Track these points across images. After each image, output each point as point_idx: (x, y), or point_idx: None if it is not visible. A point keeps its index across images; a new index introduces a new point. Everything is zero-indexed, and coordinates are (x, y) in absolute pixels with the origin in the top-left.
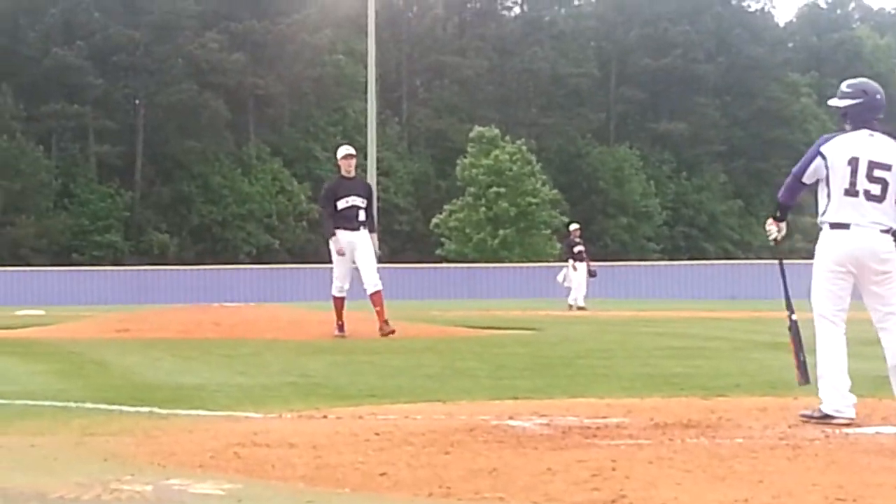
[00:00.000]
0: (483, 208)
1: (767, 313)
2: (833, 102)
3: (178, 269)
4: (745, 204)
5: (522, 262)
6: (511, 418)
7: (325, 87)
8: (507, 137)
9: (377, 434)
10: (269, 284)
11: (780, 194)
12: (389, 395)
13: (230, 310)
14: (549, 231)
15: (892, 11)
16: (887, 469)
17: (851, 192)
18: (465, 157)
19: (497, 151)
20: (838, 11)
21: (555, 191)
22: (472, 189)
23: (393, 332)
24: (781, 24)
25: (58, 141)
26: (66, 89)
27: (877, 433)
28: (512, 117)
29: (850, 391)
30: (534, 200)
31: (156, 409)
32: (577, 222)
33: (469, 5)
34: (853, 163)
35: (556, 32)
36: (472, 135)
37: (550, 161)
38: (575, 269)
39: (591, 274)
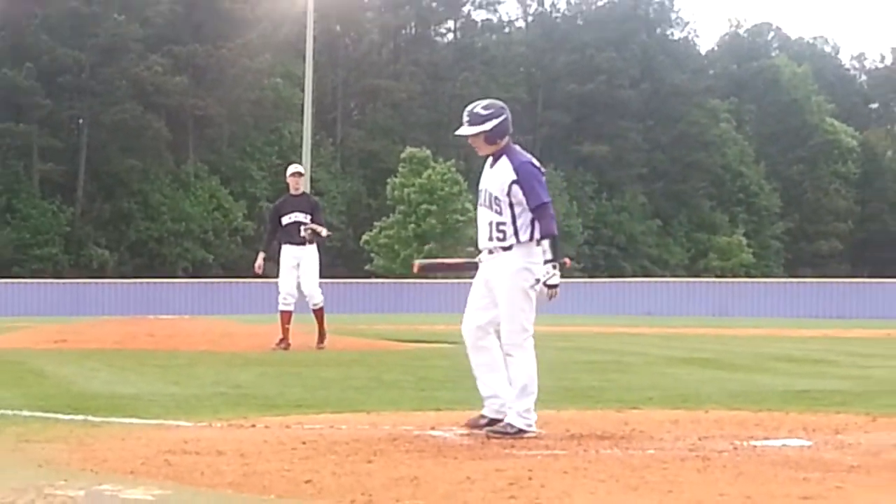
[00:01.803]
0: (412, 225)
1: (682, 329)
2: (474, 130)
3: (115, 283)
4: (663, 224)
5: (448, 278)
6: (433, 428)
7: (262, 109)
8: (438, 159)
9: (303, 443)
10: (203, 298)
11: (553, 228)
12: (316, 405)
13: (165, 322)
14: (473, 248)
15: (810, 41)
16: (793, 480)
17: None
18: (396, 176)
19: (429, 171)
20: (758, 40)
21: None
22: (402, 207)
23: (323, 347)
24: (703, 52)
25: (2, 158)
26: (13, 108)
27: (783, 445)
28: (443, 139)
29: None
30: (461, 219)
31: (90, 418)
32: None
33: (403, 31)
34: None
35: (487, 58)
36: (403, 155)
37: (477, 181)
38: None
39: None
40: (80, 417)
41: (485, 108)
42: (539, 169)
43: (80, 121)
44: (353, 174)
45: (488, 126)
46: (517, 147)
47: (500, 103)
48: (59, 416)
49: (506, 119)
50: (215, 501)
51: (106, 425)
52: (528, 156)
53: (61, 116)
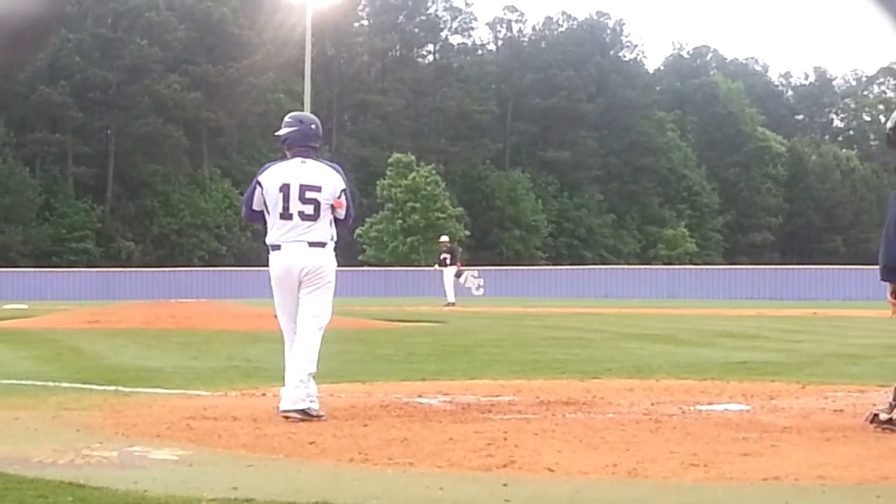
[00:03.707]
0: (399, 220)
1: (635, 310)
2: (278, 133)
3: (141, 271)
4: (617, 218)
5: (430, 266)
6: (420, 396)
7: (267, 121)
8: (421, 163)
9: None
10: (217, 284)
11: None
12: (318, 376)
13: (185, 305)
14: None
15: (743, 61)
16: (733, 439)
17: (286, 215)
18: (385, 178)
19: (414, 174)
20: (698, 61)
21: (459, 208)
22: (390, 205)
23: None
24: (651, 71)
25: (42, 163)
26: (50, 121)
27: (725, 410)
28: (424, 146)
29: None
30: (441, 215)
31: (121, 388)
32: (447, 235)
33: (390, 53)
34: (284, 189)
35: (462, 76)
36: (390, 160)
37: (456, 183)
38: (440, 272)
39: (457, 275)
40: (112, 388)
41: (290, 116)
42: (257, 181)
43: (109, 131)
44: (347, 176)
45: (280, 132)
46: (285, 160)
47: (303, 117)
48: (94, 386)
49: (294, 132)
50: (231, 461)
51: (135, 395)
52: (273, 168)
53: (92, 127)
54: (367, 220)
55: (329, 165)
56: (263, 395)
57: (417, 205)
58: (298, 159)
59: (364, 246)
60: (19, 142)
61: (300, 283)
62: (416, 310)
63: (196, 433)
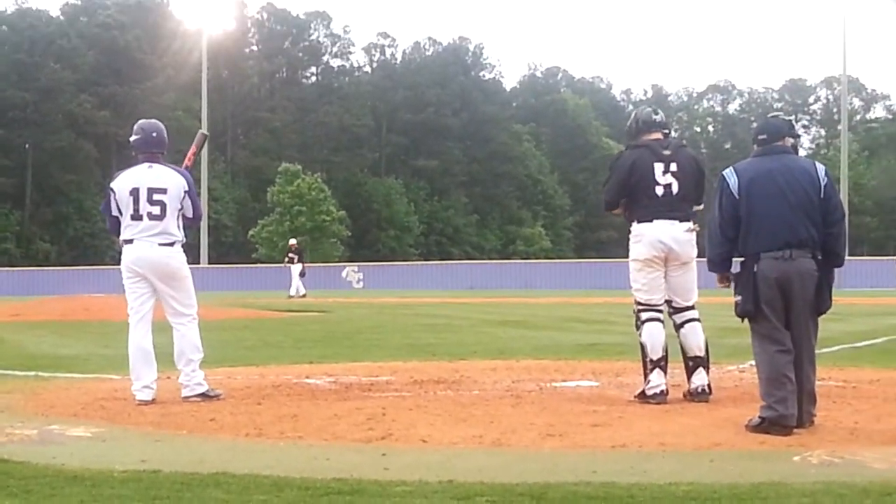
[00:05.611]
0: (287, 222)
1: (497, 299)
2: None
3: (57, 270)
4: (481, 218)
5: (315, 262)
6: (307, 377)
7: (169, 136)
8: (307, 172)
9: None
10: None
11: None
12: (217, 361)
13: (97, 299)
14: (335, 240)
15: (590, 79)
16: (585, 412)
17: (136, 216)
18: (275, 185)
19: (299, 181)
20: (550, 80)
21: (342, 211)
22: (279, 209)
23: None
24: (508, 89)
25: None
26: None
27: (577, 386)
28: (309, 157)
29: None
30: (325, 217)
31: (40, 373)
32: (294, 237)
33: (277, 75)
34: (134, 192)
35: (342, 94)
36: (280, 169)
37: (338, 188)
38: (289, 268)
39: (301, 274)
40: (32, 373)
41: (137, 125)
42: (110, 187)
43: (27, 146)
44: (241, 184)
45: (131, 140)
46: (135, 166)
47: (144, 126)
48: (16, 372)
49: (139, 139)
50: (140, 437)
51: (53, 379)
52: (124, 174)
53: (12, 143)
54: (260, 221)
55: (174, 169)
56: (168, 378)
57: (304, 208)
58: (146, 164)
59: (257, 245)
60: None
61: (155, 279)
62: (304, 301)
63: (108, 412)
